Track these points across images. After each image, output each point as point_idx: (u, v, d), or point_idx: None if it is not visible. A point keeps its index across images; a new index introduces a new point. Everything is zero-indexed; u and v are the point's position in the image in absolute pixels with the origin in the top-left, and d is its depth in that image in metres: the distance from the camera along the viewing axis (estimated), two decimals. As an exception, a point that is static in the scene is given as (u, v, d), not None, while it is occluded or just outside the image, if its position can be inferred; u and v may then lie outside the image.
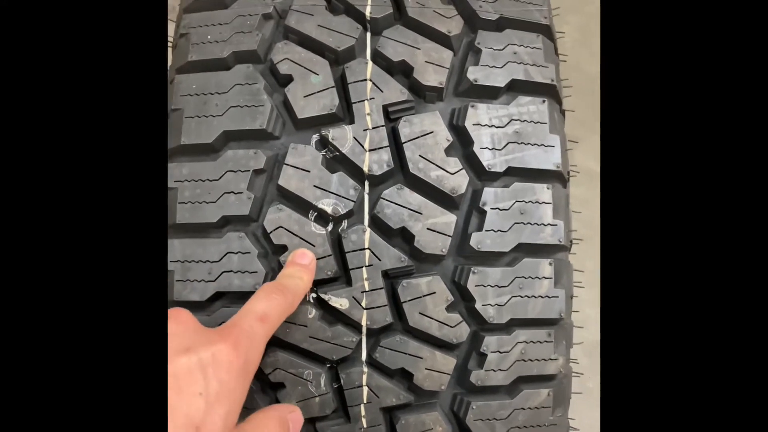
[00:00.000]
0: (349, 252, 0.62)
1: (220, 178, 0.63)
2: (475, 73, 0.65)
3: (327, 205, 0.62)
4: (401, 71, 0.65)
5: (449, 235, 0.63)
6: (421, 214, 0.63)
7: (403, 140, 0.63)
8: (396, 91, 0.64)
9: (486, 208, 0.63)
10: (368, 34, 0.66)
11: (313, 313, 0.62)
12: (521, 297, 0.63)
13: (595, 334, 1.82)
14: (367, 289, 0.62)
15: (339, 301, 0.62)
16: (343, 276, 0.63)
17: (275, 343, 0.63)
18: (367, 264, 0.62)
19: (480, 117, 0.64)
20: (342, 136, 0.63)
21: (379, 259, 0.62)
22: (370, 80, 0.64)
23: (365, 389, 0.62)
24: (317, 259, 0.62)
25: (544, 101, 0.66)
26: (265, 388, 0.63)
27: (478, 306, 0.62)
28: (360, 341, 0.63)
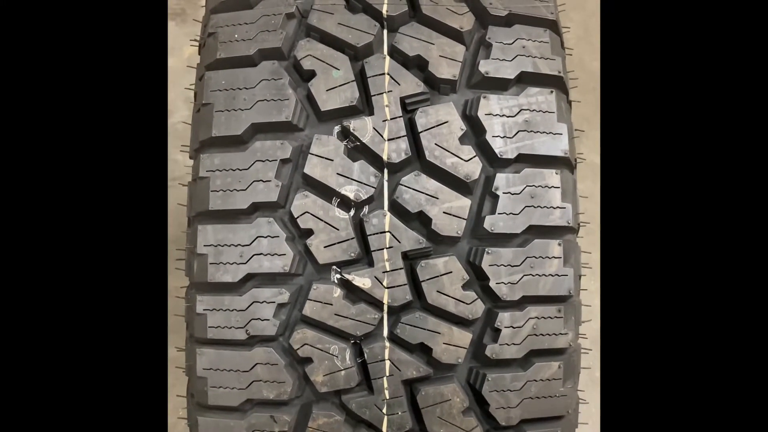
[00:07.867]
0: (370, 235, 0.67)
1: (250, 167, 0.67)
2: (486, 66, 0.69)
3: (349, 191, 0.67)
4: (417, 65, 0.70)
5: (464, 218, 0.67)
6: (437, 198, 0.67)
7: (419, 130, 0.67)
8: (412, 84, 0.68)
9: (498, 192, 0.67)
10: (385, 31, 0.70)
11: (337, 292, 0.66)
12: (532, 275, 0.67)
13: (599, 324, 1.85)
14: (387, 270, 0.66)
15: (362, 280, 0.66)
16: (365, 257, 0.68)
17: (303, 320, 0.67)
18: (387, 246, 0.67)
19: (491, 107, 0.68)
20: (362, 127, 0.67)
21: (399, 242, 0.67)
22: (388, 74, 0.68)
23: (387, 363, 0.67)
24: (340, 242, 0.66)
25: (551, 92, 0.70)
26: (293, 363, 0.68)
27: (492, 284, 0.67)
28: (382, 318, 0.67)
